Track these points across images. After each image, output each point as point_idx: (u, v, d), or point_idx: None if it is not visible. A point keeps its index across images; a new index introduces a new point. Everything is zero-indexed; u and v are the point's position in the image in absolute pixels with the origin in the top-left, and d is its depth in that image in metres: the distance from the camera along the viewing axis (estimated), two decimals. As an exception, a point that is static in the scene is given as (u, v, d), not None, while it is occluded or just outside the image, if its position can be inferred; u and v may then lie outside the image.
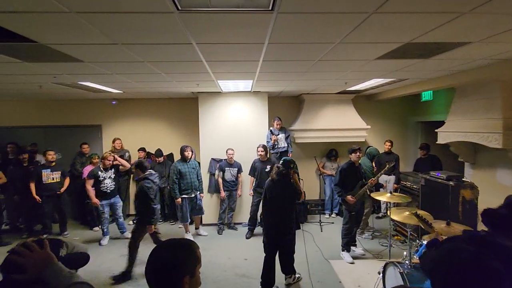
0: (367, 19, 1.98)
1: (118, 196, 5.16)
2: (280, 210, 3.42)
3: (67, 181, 5.34)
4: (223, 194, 5.41)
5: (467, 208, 4.15)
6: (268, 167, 5.13)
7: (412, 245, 3.45)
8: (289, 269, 3.64)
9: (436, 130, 4.67)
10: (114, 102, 6.33)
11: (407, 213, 3.34)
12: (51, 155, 5.11)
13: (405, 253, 3.45)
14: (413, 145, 6.60)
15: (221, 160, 5.58)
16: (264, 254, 3.53)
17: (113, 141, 6.03)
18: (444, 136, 4.49)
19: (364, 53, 2.86)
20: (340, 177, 4.32)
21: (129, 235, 5.14)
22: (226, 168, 5.40)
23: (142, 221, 3.94)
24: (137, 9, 1.79)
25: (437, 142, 4.66)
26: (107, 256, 4.52)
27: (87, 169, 5.40)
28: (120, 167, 5.22)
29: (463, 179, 4.36)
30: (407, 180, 5.19)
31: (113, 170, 5.01)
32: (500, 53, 2.87)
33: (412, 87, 4.89)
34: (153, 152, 6.06)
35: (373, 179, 4.36)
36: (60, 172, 5.24)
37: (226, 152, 5.38)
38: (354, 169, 4.34)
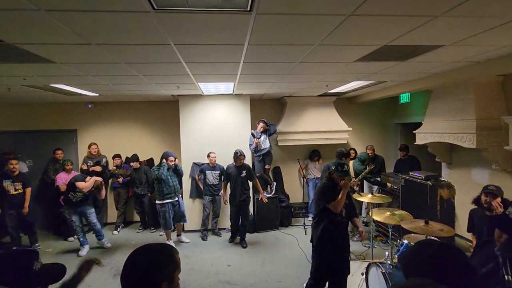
0: (344, 21, 2.00)
1: (86, 205, 4.76)
2: None
3: (27, 193, 4.79)
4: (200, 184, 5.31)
5: (444, 207, 4.28)
6: (244, 172, 4.94)
7: (393, 245, 3.51)
8: None
9: (414, 132, 4.80)
10: (90, 106, 6.09)
11: (388, 213, 3.40)
12: (13, 165, 4.64)
13: (387, 253, 3.49)
14: (393, 147, 6.77)
15: (203, 164, 5.48)
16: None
17: (89, 147, 5.80)
18: (421, 137, 4.62)
19: (343, 55, 2.89)
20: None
21: (108, 244, 4.97)
22: (207, 171, 5.27)
23: None
24: (110, 8, 1.72)
25: (415, 143, 4.79)
26: (83, 267, 4.30)
27: (60, 177, 5.15)
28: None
29: (440, 178, 4.51)
30: (387, 181, 5.30)
31: None
32: (472, 55, 2.98)
33: (391, 90, 5.02)
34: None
35: (355, 180, 4.43)
36: (21, 183, 4.75)
37: (208, 155, 5.28)
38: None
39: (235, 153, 4.92)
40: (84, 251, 4.74)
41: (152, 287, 0.99)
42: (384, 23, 2.06)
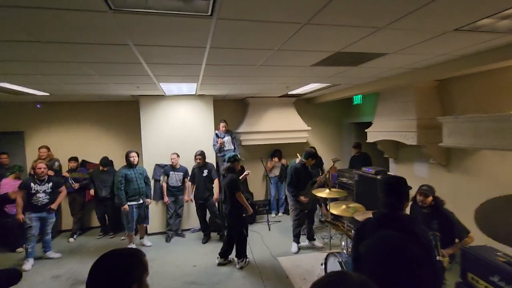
0: (301, 29, 2.15)
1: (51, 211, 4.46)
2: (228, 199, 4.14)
3: None
4: (166, 199, 5.23)
5: (392, 198, 4.70)
6: (205, 171, 5.11)
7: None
8: (240, 254, 4.18)
9: (365, 130, 5.20)
10: (38, 106, 5.63)
11: (344, 206, 3.68)
12: None
13: (343, 243, 3.78)
14: (348, 144, 7.22)
15: (166, 165, 5.38)
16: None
17: (39, 150, 5.37)
18: (372, 135, 5.02)
19: (301, 60, 3.07)
20: (291, 178, 4.51)
21: (53, 255, 4.58)
22: (170, 172, 5.23)
23: None
24: (62, 6, 1.66)
25: (367, 141, 5.20)
26: (34, 279, 3.98)
27: (7, 183, 4.71)
28: None
29: (388, 173, 4.95)
30: (343, 176, 5.67)
31: (51, 184, 4.38)
32: (412, 63, 3.35)
33: (345, 92, 5.38)
34: (89, 161, 5.55)
35: (321, 176, 4.71)
36: None
37: (170, 157, 5.22)
38: (305, 169, 4.60)
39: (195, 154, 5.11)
40: (29, 265, 4.23)
41: None
42: (336, 32, 2.24)
